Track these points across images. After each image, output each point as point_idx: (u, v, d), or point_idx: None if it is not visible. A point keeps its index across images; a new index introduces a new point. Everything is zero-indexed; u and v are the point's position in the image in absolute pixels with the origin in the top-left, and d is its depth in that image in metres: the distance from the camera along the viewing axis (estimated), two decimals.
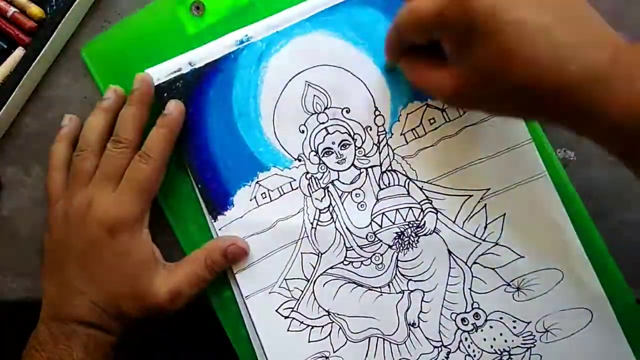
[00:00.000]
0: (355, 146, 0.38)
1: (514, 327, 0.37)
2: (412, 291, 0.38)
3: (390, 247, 0.38)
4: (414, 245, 0.38)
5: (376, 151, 0.38)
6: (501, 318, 0.37)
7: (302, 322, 0.38)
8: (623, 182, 0.37)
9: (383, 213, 0.38)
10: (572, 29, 0.25)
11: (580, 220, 0.36)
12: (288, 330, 0.38)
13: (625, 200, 0.37)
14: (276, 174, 0.39)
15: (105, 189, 0.36)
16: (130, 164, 0.37)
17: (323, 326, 0.38)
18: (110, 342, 0.37)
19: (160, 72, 0.39)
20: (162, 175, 0.38)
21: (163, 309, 0.36)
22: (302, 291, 0.38)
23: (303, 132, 0.39)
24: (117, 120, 0.38)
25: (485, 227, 0.37)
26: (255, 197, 0.39)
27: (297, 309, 0.38)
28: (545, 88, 0.25)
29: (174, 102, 0.38)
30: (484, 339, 0.37)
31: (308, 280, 0.38)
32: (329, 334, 0.38)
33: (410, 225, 0.38)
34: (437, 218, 0.37)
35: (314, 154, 0.39)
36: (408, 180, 0.38)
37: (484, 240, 0.37)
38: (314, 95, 0.39)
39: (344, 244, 0.38)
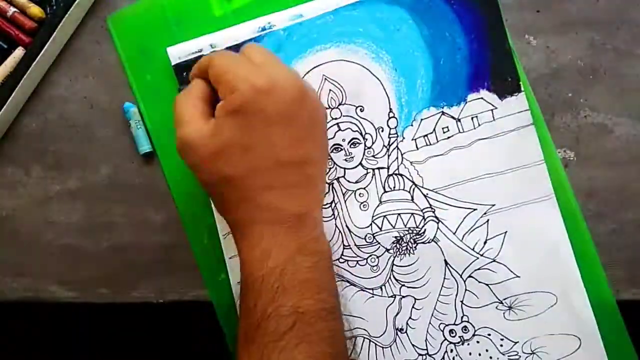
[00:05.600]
0: (365, 146, 0.38)
1: (501, 345, 0.36)
2: (403, 297, 0.38)
3: (387, 250, 0.38)
4: (411, 251, 0.38)
5: (385, 153, 0.38)
6: (489, 334, 0.37)
7: None
8: (623, 182, 0.36)
9: (384, 216, 0.38)
10: None
11: (574, 225, 0.36)
12: None
13: (625, 200, 0.36)
14: None
15: None
16: None
17: None
18: None
19: (181, 51, 0.39)
20: None
21: None
22: None
23: None
24: None
25: (485, 243, 0.37)
26: None
27: None
28: None
29: None
30: (470, 353, 0.37)
31: None
32: None
33: (410, 232, 0.38)
34: (438, 227, 0.37)
35: None
36: (414, 186, 0.38)
37: (481, 255, 0.37)
38: (330, 90, 0.38)
39: (342, 242, 0.38)
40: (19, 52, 0.40)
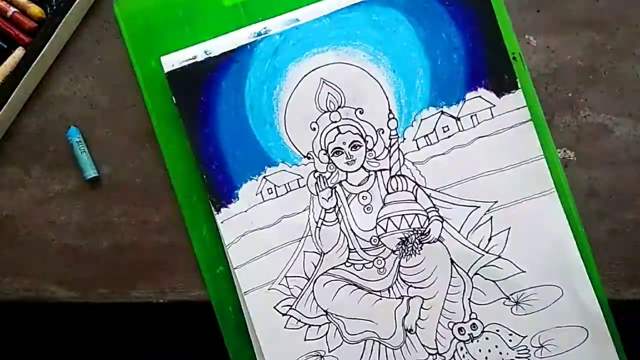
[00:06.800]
0: (366, 148, 0.38)
1: (510, 341, 0.37)
2: (411, 297, 0.38)
3: (393, 252, 0.38)
4: (417, 252, 0.38)
5: (387, 155, 0.38)
6: (498, 330, 0.37)
7: (299, 320, 0.38)
8: (623, 182, 0.37)
9: (389, 218, 0.38)
10: None
11: (572, 225, 0.36)
12: (285, 328, 0.38)
13: (625, 200, 0.37)
14: (284, 170, 0.38)
15: None
16: None
17: (320, 325, 0.38)
18: None
19: (175, 59, 0.38)
20: None
21: None
22: (302, 289, 0.38)
23: (314, 129, 0.38)
24: None
25: (490, 239, 0.37)
26: (261, 192, 0.38)
27: (295, 306, 0.38)
28: None
29: None
30: (479, 350, 0.37)
31: (309, 279, 0.38)
32: (326, 334, 0.38)
33: (415, 232, 0.38)
34: (443, 227, 0.37)
35: (324, 152, 0.38)
36: (416, 186, 0.38)
37: (487, 252, 0.37)
38: (328, 93, 0.38)
39: (348, 245, 0.38)
40: (19, 52, 0.40)
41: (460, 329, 0.37)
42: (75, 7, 0.40)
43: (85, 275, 0.41)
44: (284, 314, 0.38)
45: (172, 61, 0.38)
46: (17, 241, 0.42)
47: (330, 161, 0.38)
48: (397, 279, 0.38)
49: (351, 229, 0.38)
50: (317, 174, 0.38)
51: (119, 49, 0.41)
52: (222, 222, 0.38)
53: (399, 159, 0.38)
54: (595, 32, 0.37)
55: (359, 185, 0.38)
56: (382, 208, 0.38)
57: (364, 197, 0.38)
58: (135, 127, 0.41)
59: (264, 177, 0.38)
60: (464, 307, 0.37)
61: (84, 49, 0.41)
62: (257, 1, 0.39)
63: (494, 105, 0.37)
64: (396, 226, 0.38)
